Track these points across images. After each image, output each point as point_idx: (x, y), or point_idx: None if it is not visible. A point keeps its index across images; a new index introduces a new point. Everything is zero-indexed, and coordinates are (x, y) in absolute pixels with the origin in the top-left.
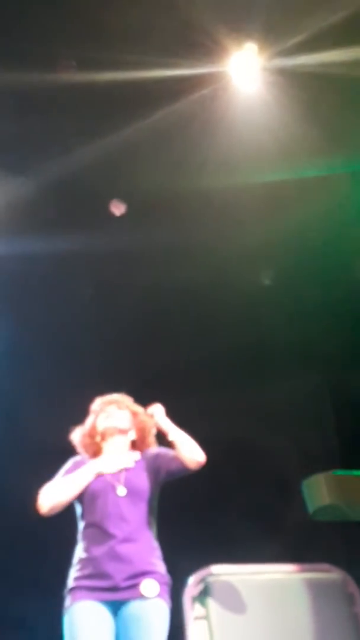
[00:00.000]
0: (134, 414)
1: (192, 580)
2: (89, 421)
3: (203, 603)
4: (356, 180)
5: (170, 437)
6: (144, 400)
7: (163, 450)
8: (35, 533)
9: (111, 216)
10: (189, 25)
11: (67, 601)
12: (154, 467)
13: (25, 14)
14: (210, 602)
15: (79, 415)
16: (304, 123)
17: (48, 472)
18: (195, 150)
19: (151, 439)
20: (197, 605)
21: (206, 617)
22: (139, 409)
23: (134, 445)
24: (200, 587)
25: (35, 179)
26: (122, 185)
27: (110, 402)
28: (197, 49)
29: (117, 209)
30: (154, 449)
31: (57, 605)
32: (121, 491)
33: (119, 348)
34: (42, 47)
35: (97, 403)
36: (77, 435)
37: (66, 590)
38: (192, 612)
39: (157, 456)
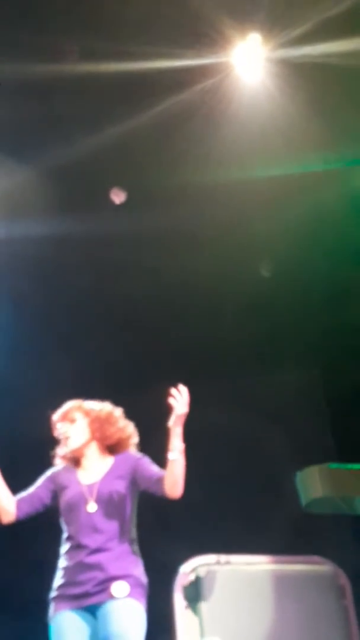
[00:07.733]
0: (91, 420)
1: (183, 569)
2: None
3: (194, 592)
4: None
5: (170, 456)
6: (141, 387)
7: (144, 463)
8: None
9: (112, 206)
10: (192, 15)
11: (51, 610)
12: (132, 478)
13: (29, 3)
14: (201, 591)
15: None
16: (307, 114)
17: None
18: (198, 141)
19: (122, 437)
20: (188, 594)
21: (197, 607)
22: (93, 409)
23: (110, 448)
24: (192, 576)
25: (36, 168)
26: (124, 176)
27: (59, 419)
28: (200, 40)
29: (117, 196)
30: (134, 454)
31: None
32: (91, 507)
33: (118, 336)
34: (46, 36)
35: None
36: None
37: (49, 598)
38: (182, 601)
39: (136, 469)
